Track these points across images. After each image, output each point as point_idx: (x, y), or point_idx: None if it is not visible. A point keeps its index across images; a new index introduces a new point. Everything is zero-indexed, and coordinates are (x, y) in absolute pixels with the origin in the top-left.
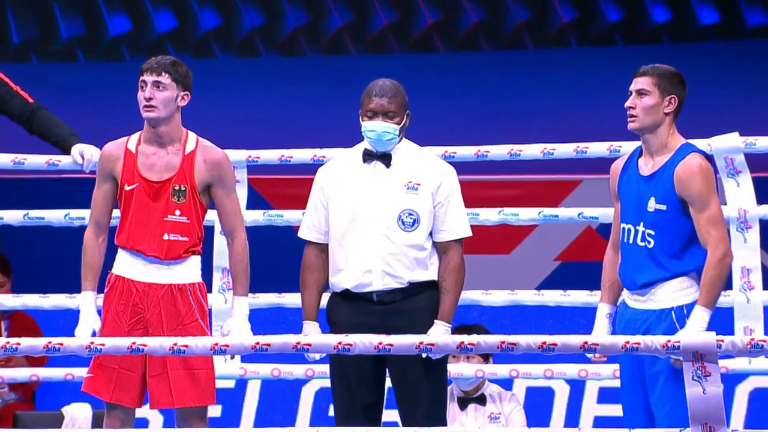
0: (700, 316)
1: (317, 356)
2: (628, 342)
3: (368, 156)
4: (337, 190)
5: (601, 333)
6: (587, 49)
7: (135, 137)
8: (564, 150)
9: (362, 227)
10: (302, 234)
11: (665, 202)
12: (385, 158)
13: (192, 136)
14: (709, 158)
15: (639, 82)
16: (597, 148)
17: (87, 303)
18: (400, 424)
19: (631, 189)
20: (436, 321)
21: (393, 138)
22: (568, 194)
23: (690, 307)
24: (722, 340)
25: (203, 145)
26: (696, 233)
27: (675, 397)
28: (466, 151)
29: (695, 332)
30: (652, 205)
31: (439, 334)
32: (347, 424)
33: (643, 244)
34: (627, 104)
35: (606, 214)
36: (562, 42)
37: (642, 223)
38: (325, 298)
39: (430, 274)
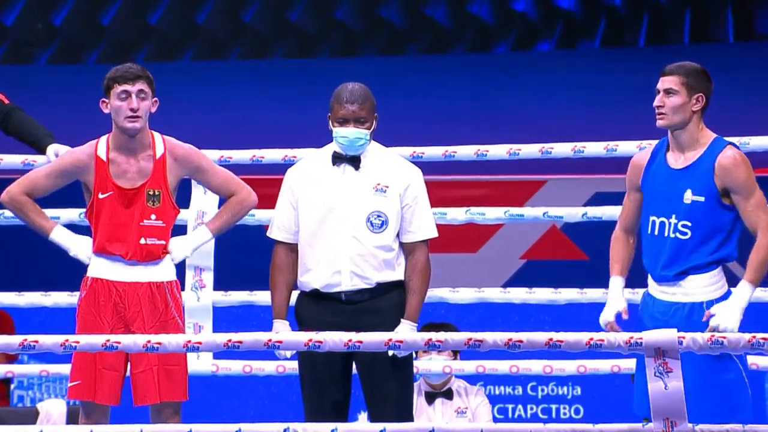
0: (743, 290)
1: (288, 354)
2: (592, 339)
3: (338, 158)
4: (306, 191)
5: (618, 305)
6: (558, 51)
7: (102, 144)
8: (529, 150)
9: (331, 228)
10: (271, 234)
11: (703, 194)
12: (354, 161)
13: (158, 138)
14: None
15: (666, 81)
16: (562, 149)
17: (66, 232)
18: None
19: (661, 182)
20: (402, 320)
21: (364, 143)
22: (533, 194)
23: (720, 300)
24: (683, 337)
25: (170, 144)
26: (731, 225)
27: (708, 390)
28: (433, 152)
29: (737, 305)
30: (688, 197)
31: (408, 332)
32: (316, 420)
33: (675, 235)
34: (655, 103)
35: (570, 213)
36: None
37: (674, 216)
38: (294, 296)
39: (397, 274)
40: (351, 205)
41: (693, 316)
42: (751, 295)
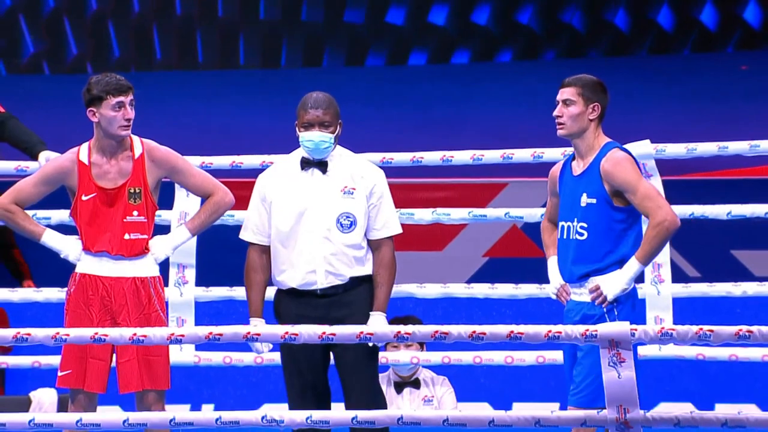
0: (630, 265)
1: (265, 349)
2: (550, 331)
3: (306, 164)
4: (278, 195)
5: (556, 278)
6: (518, 63)
7: (84, 149)
8: (492, 156)
9: (304, 230)
10: (244, 236)
11: (595, 196)
12: (322, 165)
13: (136, 140)
14: (629, 153)
15: (564, 93)
16: (522, 155)
17: (56, 235)
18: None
19: (567, 189)
20: (372, 312)
21: (329, 146)
22: (495, 196)
23: (622, 298)
24: (635, 329)
25: (149, 146)
26: (624, 225)
27: (587, 372)
28: (402, 158)
29: (622, 276)
30: (584, 200)
31: (379, 322)
32: (298, 406)
33: (575, 237)
34: (555, 113)
35: (530, 214)
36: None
37: (575, 219)
38: (270, 292)
39: (367, 269)
40: (321, 208)
41: (594, 314)
42: (637, 271)
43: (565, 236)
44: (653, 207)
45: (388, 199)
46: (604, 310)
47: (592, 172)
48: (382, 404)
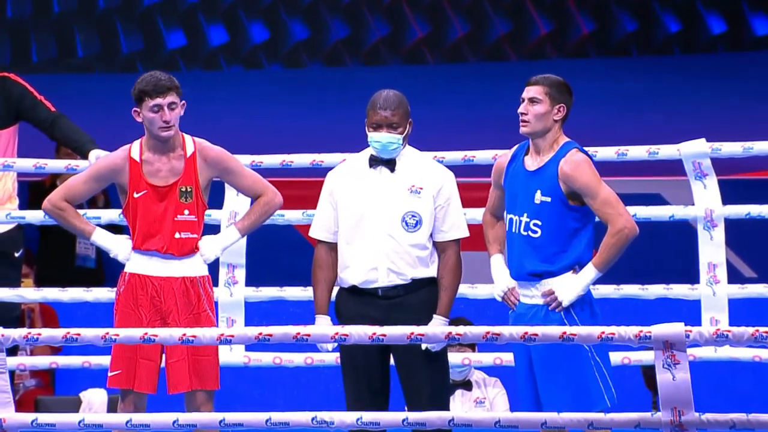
0: (587, 272)
1: (330, 347)
2: (603, 332)
3: (374, 161)
4: (345, 192)
5: (504, 278)
6: (563, 60)
7: (136, 147)
8: None
9: (369, 228)
10: (313, 233)
11: (550, 195)
12: (390, 164)
13: (188, 139)
14: (588, 154)
15: (531, 91)
16: (605, 153)
17: (106, 234)
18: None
19: (518, 183)
20: (434, 315)
21: (397, 147)
22: None
23: (577, 302)
24: (690, 331)
25: (201, 146)
26: (578, 224)
27: (560, 382)
28: (453, 156)
29: (578, 282)
30: (538, 197)
31: (431, 326)
32: (357, 408)
33: (526, 233)
34: (519, 110)
35: None
36: (543, 54)
37: (526, 214)
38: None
39: (431, 271)
40: (387, 206)
41: (550, 315)
42: (594, 277)
43: (512, 230)
44: (613, 214)
45: (456, 201)
46: (562, 315)
47: (548, 170)
48: (442, 409)
